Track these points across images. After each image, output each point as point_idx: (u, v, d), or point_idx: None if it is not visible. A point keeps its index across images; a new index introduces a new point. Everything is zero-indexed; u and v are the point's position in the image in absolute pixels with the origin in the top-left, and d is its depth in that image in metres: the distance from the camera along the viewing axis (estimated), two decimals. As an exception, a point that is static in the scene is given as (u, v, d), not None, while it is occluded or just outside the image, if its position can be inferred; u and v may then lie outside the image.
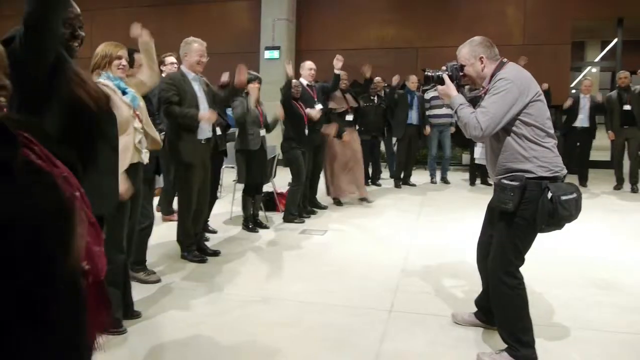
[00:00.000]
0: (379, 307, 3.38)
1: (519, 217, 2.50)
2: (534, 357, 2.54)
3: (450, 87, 2.68)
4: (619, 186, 7.79)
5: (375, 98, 7.74)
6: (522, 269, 2.62)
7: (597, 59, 16.29)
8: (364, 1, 11.44)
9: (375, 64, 10.42)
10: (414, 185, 8.07)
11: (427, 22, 10.83)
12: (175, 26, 10.64)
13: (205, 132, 4.18)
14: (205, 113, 4.00)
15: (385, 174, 8.65)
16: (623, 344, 2.88)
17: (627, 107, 7.50)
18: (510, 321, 2.60)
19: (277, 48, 10.96)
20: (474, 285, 3.29)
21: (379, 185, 8.08)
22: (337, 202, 6.46)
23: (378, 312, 3.29)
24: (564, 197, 2.43)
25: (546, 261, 4.31)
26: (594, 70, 18.09)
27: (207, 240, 4.76)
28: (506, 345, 2.60)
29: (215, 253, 4.43)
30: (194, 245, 4.34)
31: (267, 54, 11.01)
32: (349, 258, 4.46)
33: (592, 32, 14.13)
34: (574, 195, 2.48)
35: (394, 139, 8.41)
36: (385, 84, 8.28)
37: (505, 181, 2.52)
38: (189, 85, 4.08)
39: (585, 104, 7.86)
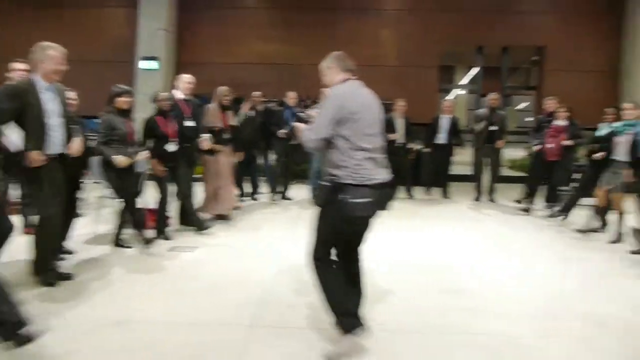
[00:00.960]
0: (241, 322, 3.36)
1: (324, 212, 2.89)
2: (353, 326, 2.90)
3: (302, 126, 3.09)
4: (477, 198, 8.50)
5: (254, 113, 7.75)
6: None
7: (462, 82, 17.83)
8: (246, 16, 11.50)
9: (256, 79, 10.56)
10: (290, 199, 8.15)
11: (307, 39, 11.13)
12: (49, 31, 9.86)
13: (56, 146, 3.85)
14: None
15: (264, 188, 8.63)
16: (479, 346, 3.14)
17: (493, 128, 8.18)
18: (327, 300, 2.94)
19: (155, 59, 10.61)
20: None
21: (256, 200, 8.06)
22: (212, 218, 6.33)
23: (239, 328, 3.27)
24: (354, 200, 2.75)
25: (404, 270, 4.61)
26: (462, 92, 19.75)
27: (62, 260, 4.42)
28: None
29: (68, 277, 4.09)
30: (49, 266, 3.99)
31: (144, 65, 10.61)
32: (218, 274, 4.38)
33: (459, 58, 15.48)
34: (367, 199, 2.78)
35: (273, 154, 8.45)
36: (265, 100, 8.34)
37: (322, 182, 2.91)
38: (35, 96, 3.71)
39: (445, 123, 8.49)
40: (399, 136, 8.19)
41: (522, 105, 20.44)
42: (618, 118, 6.27)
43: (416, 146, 8.80)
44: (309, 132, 2.87)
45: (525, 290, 4.18)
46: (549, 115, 7.56)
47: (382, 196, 2.87)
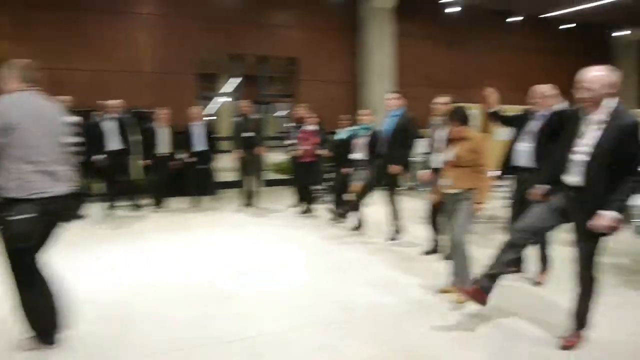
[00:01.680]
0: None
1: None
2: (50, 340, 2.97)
3: None
4: (243, 203, 8.67)
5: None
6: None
7: (225, 90, 18.13)
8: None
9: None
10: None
11: (53, 43, 9.92)
12: None
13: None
14: None
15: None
16: (240, 351, 3.12)
17: (248, 134, 8.39)
18: (25, 315, 2.98)
19: None
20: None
21: None
22: None
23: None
24: (15, 217, 2.72)
25: (162, 283, 4.42)
26: (228, 99, 20.02)
27: None
28: None
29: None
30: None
31: None
32: None
33: (218, 66, 15.64)
34: (28, 215, 2.75)
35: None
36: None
37: None
38: None
39: (197, 130, 8.45)
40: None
41: (281, 113, 21.78)
42: (353, 123, 7.09)
43: (181, 155, 8.58)
44: None
45: (284, 287, 4.39)
46: (300, 121, 8.18)
47: (61, 208, 2.91)
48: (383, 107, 7.54)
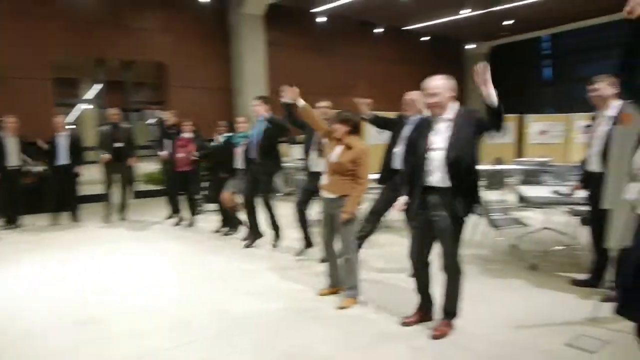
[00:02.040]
0: None
1: None
2: None
3: None
4: (110, 218, 8.10)
5: None
6: None
7: (87, 97, 16.80)
8: None
9: None
10: None
11: None
12: None
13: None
14: None
15: None
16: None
17: (118, 144, 7.85)
18: None
19: None
20: None
21: None
22: None
23: None
24: None
25: (31, 306, 3.98)
26: (90, 106, 18.57)
27: None
28: None
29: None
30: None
31: None
32: None
33: (78, 70, 14.48)
34: None
35: None
36: None
37: None
38: None
39: (62, 141, 7.79)
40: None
41: (151, 121, 20.76)
42: (231, 129, 6.98)
43: (35, 169, 7.80)
44: None
45: (161, 302, 4.17)
46: (170, 128, 7.85)
47: None
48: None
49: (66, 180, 7.85)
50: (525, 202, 5.67)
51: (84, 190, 8.42)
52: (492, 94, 2.93)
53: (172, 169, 7.47)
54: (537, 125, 12.29)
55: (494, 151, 12.39)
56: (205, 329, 3.58)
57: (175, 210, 7.80)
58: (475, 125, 3.10)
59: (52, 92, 10.30)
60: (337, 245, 4.05)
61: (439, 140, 3.16)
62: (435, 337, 3.29)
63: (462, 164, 3.09)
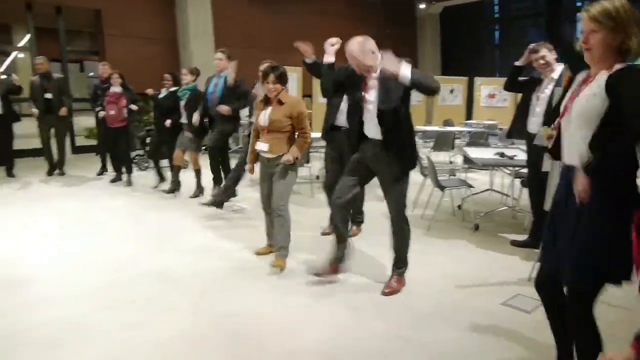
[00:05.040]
0: None
1: None
2: None
3: None
4: (50, 172, 7.74)
5: None
6: None
7: (21, 45, 15.72)
8: None
9: None
10: None
11: None
12: None
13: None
14: None
15: None
16: (39, 339, 2.67)
17: (48, 95, 7.41)
18: None
19: None
20: None
21: None
22: None
23: None
24: None
25: None
26: (21, 55, 17.42)
27: None
28: None
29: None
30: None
31: None
32: None
33: (10, 16, 13.42)
34: None
35: None
36: None
37: None
38: None
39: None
40: None
41: (92, 72, 19.72)
42: (176, 84, 6.62)
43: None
44: None
45: (94, 264, 3.96)
46: (105, 82, 7.40)
47: None
48: (205, 67, 7.20)
49: (0, 131, 7.33)
50: (471, 163, 5.72)
51: (21, 144, 7.91)
52: (404, 74, 2.88)
53: (105, 126, 7.04)
54: (487, 89, 12.44)
55: (444, 113, 12.52)
56: (140, 291, 3.42)
57: (106, 167, 7.48)
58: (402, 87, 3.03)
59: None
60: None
61: (371, 96, 3.18)
62: (387, 294, 3.30)
63: (391, 119, 3.11)
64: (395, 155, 3.18)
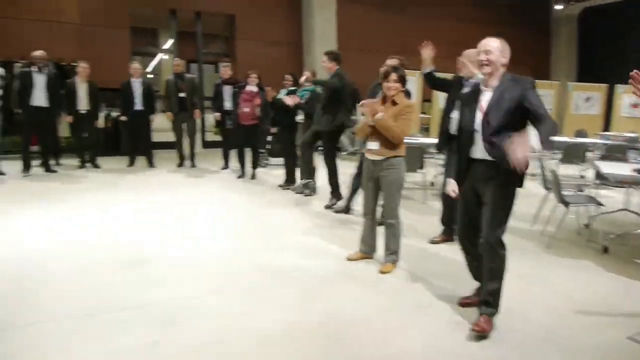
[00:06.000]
0: None
1: None
2: None
3: None
4: (180, 164, 8.44)
5: None
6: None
7: (165, 47, 17.25)
8: None
9: None
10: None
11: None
12: None
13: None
14: None
15: None
16: (153, 315, 2.93)
17: (182, 94, 8.09)
18: None
19: None
20: None
21: None
22: None
23: None
24: None
25: (81, 245, 4.18)
26: (165, 56, 19.11)
27: None
28: None
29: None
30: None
31: None
32: None
33: (154, 20, 14.79)
34: None
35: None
36: None
37: None
38: None
39: (136, 88, 8.04)
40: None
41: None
42: (296, 83, 6.86)
43: (113, 113, 8.20)
44: None
45: (207, 252, 4.21)
46: (226, 82, 7.88)
47: None
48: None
49: (140, 126, 8.15)
50: (603, 179, 5.19)
51: (158, 137, 8.72)
52: (535, 149, 2.49)
53: (237, 123, 7.48)
54: (630, 98, 11.20)
55: (577, 122, 11.53)
56: (245, 282, 3.57)
57: (228, 164, 7.92)
58: (517, 100, 2.69)
59: (130, 41, 10.58)
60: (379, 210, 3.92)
61: (483, 108, 2.82)
62: (476, 332, 2.81)
63: (500, 137, 2.71)
64: (508, 175, 2.73)
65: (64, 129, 8.30)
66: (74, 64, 8.22)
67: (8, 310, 2.99)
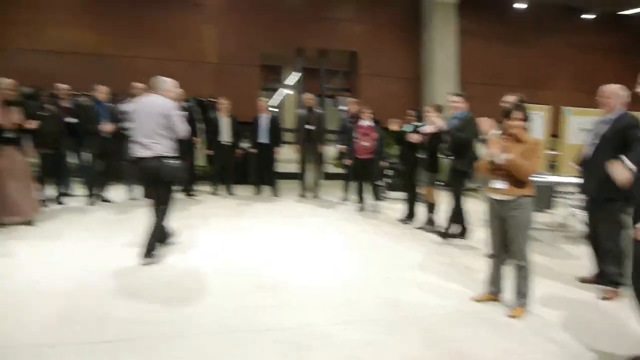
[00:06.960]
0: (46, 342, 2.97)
1: None
2: None
3: None
4: (302, 194, 8.83)
5: (55, 107, 6.95)
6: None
7: (288, 83, 18.25)
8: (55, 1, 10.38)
9: (62, 69, 9.55)
10: (109, 201, 7.52)
11: (121, 31, 10.47)
12: None
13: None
14: None
15: (80, 189, 7.78)
16: (287, 340, 3.17)
17: (309, 127, 8.53)
18: None
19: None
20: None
21: (63, 204, 7.22)
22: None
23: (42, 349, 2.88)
24: None
25: (209, 269, 4.56)
26: (287, 91, 20.14)
27: None
28: None
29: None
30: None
31: None
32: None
33: (281, 58, 15.82)
34: None
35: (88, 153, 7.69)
36: (76, 92, 7.65)
37: None
38: None
39: (263, 122, 8.63)
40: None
41: (343, 107, 21.67)
42: (419, 119, 6.97)
43: (244, 145, 8.88)
44: None
45: (331, 281, 4.40)
46: (353, 117, 8.15)
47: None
48: (446, 105, 7.39)
49: (266, 157, 8.73)
50: None
51: (283, 167, 9.25)
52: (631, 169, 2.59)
53: (352, 156, 7.69)
54: None
55: None
56: (369, 312, 3.69)
57: (359, 196, 8.13)
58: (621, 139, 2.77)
59: (259, 78, 11.47)
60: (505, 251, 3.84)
61: None
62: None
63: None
64: None
65: (202, 159, 9.10)
66: (213, 100, 9.09)
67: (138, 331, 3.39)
